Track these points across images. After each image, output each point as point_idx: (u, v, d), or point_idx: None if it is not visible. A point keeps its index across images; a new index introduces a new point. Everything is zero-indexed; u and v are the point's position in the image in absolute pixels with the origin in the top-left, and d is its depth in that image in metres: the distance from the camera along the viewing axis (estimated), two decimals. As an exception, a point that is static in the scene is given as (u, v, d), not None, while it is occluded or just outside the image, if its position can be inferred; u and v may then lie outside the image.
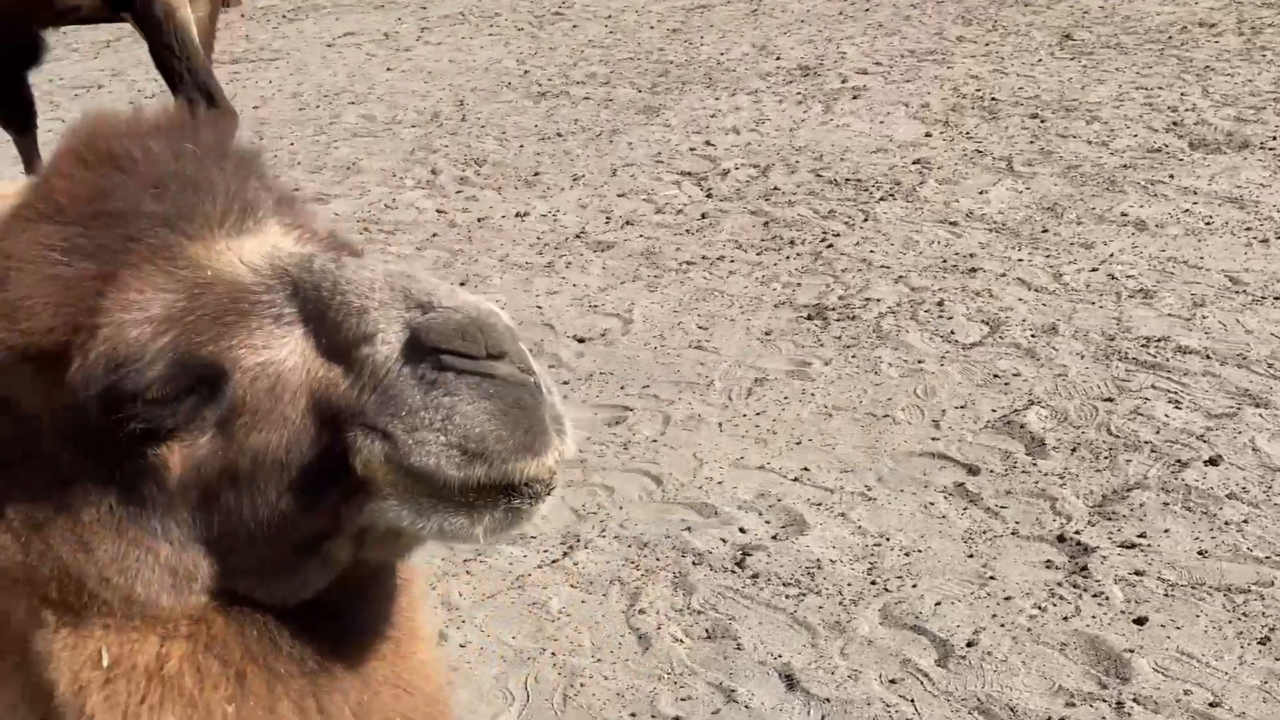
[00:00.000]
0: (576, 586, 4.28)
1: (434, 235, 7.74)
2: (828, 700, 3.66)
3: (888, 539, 4.36)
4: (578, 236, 7.48)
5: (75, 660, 1.56)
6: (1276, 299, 5.81)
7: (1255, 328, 5.55)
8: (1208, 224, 6.74)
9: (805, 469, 4.83)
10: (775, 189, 7.91)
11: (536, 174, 8.66)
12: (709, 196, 7.94)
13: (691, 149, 8.86)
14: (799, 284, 6.49)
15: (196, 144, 1.63)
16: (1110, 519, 4.36)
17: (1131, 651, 3.74)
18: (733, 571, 4.27)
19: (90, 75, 12.71)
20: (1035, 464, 4.71)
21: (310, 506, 1.53)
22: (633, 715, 3.68)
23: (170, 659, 1.57)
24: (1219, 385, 5.11)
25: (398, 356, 1.48)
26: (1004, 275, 6.36)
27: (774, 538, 4.44)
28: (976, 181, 7.68)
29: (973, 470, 4.70)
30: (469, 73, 11.63)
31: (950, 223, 7.10)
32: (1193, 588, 3.99)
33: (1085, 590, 4.02)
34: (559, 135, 9.49)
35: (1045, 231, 6.86)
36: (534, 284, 6.83)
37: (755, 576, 4.22)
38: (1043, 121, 8.61)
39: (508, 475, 1.50)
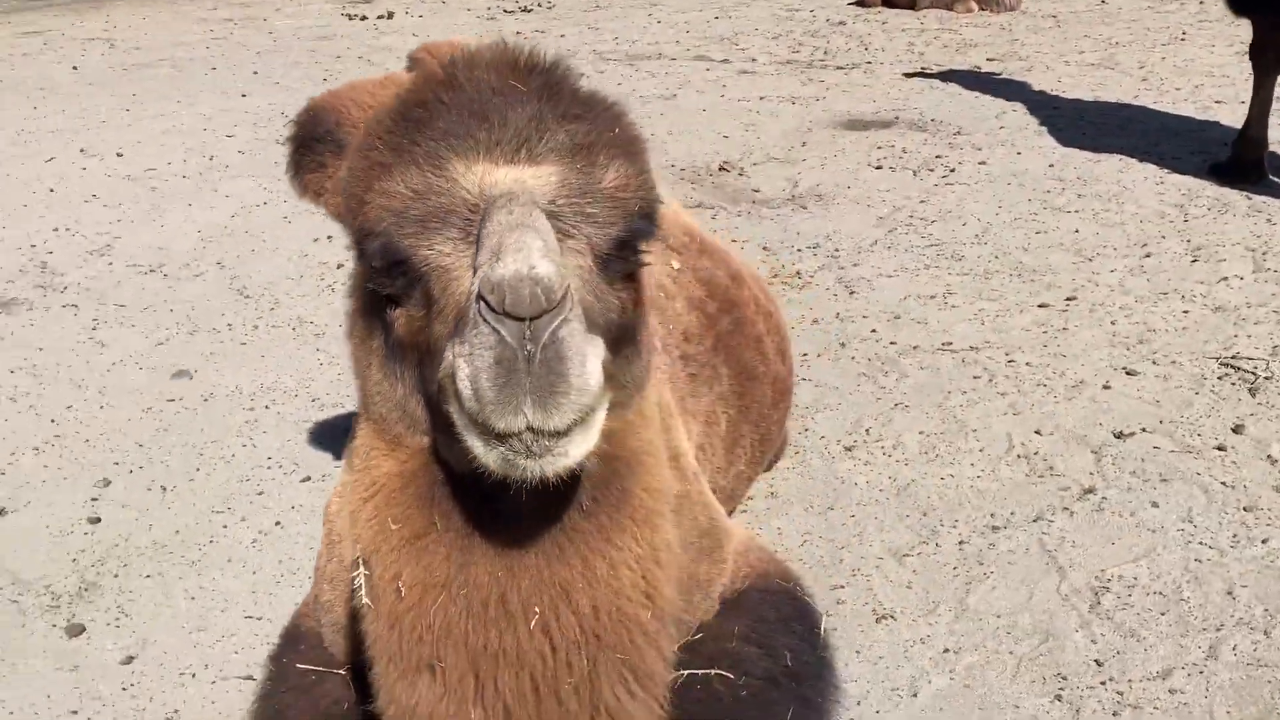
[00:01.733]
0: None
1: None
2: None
3: None
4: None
5: (351, 450, 2.16)
6: None
7: None
8: None
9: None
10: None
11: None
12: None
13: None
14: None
15: (523, 83, 1.89)
16: None
17: None
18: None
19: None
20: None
21: None
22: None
23: (385, 472, 2.00)
24: None
25: (472, 292, 1.68)
26: None
27: None
28: None
29: None
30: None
31: None
32: None
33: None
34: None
35: None
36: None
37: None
38: None
39: (489, 422, 1.66)
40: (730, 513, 3.45)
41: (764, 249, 6.09)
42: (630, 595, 2.04)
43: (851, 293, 5.51)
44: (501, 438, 1.67)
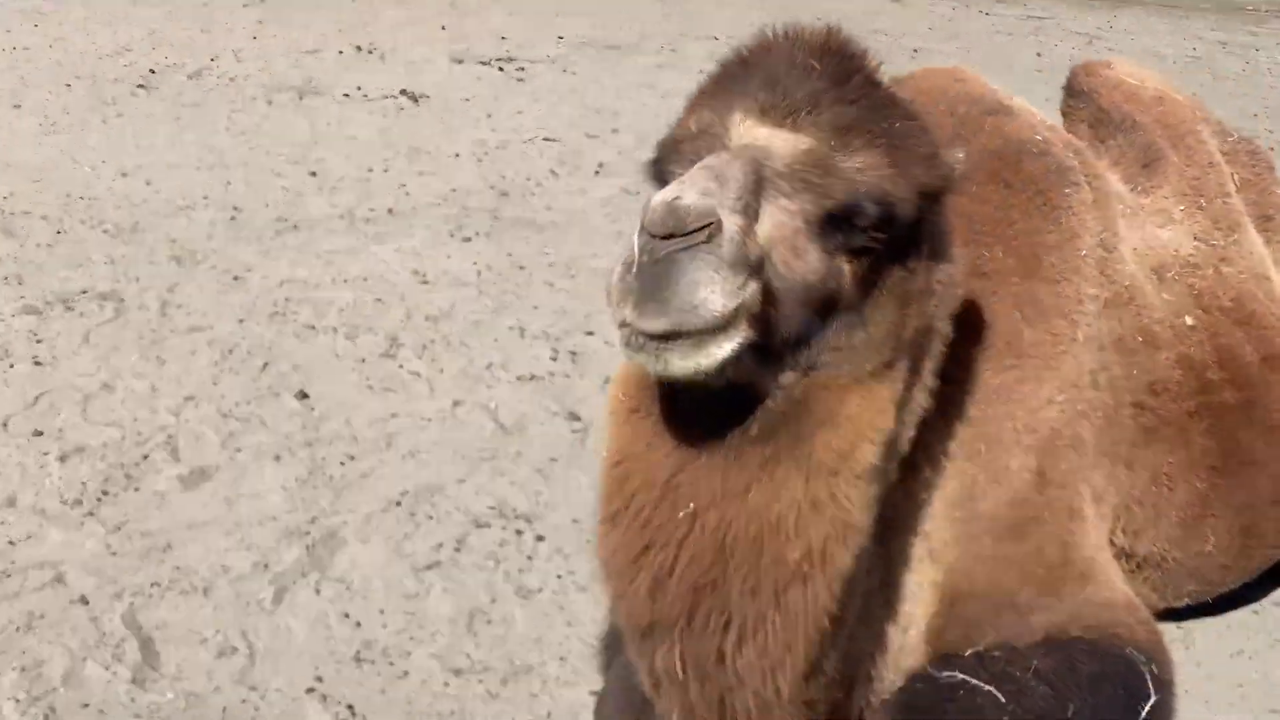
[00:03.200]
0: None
1: None
2: None
3: None
4: None
5: None
6: None
7: None
8: None
9: None
10: None
11: None
12: None
13: None
14: None
15: (820, 63, 2.20)
16: None
17: None
18: None
19: None
20: None
21: None
22: None
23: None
24: None
25: None
26: None
27: None
28: None
29: None
30: None
31: None
32: None
33: None
34: None
35: None
36: None
37: None
38: None
39: (611, 310, 1.98)
40: (1193, 594, 3.30)
41: None
42: (778, 531, 2.24)
43: None
44: (621, 327, 2.01)
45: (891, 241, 2.22)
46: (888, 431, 2.33)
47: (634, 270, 1.97)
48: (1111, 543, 3.08)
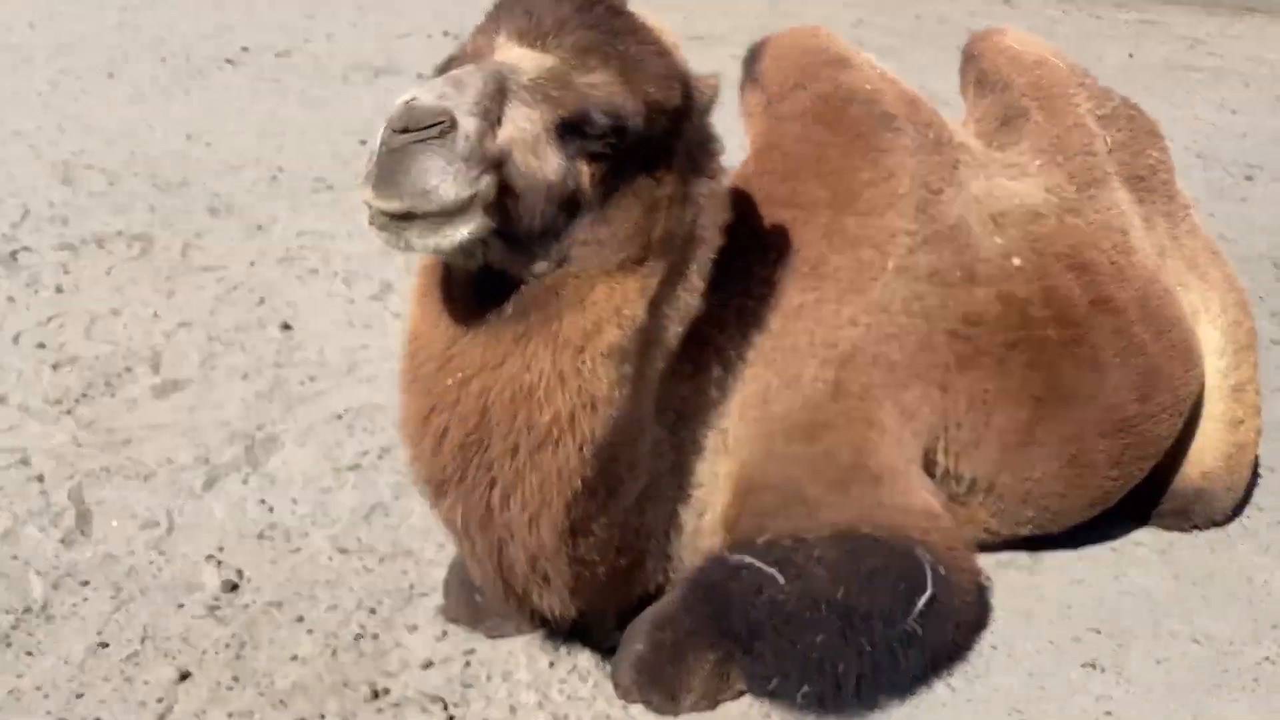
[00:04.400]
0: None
1: None
2: None
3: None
4: None
5: None
6: None
7: None
8: None
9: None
10: None
11: None
12: None
13: None
14: None
15: None
16: None
17: None
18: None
19: None
20: None
21: None
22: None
23: None
24: None
25: None
26: None
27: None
28: None
29: None
30: None
31: None
32: None
33: None
34: None
35: None
36: None
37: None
38: None
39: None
40: (1022, 517, 3.54)
41: None
42: (530, 397, 2.58)
43: None
44: (366, 208, 2.38)
45: (631, 150, 2.55)
46: (636, 319, 2.65)
47: (374, 159, 2.35)
48: (936, 461, 3.35)
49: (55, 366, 4.36)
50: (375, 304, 5.09)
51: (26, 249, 5.22)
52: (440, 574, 3.42)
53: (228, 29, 9.27)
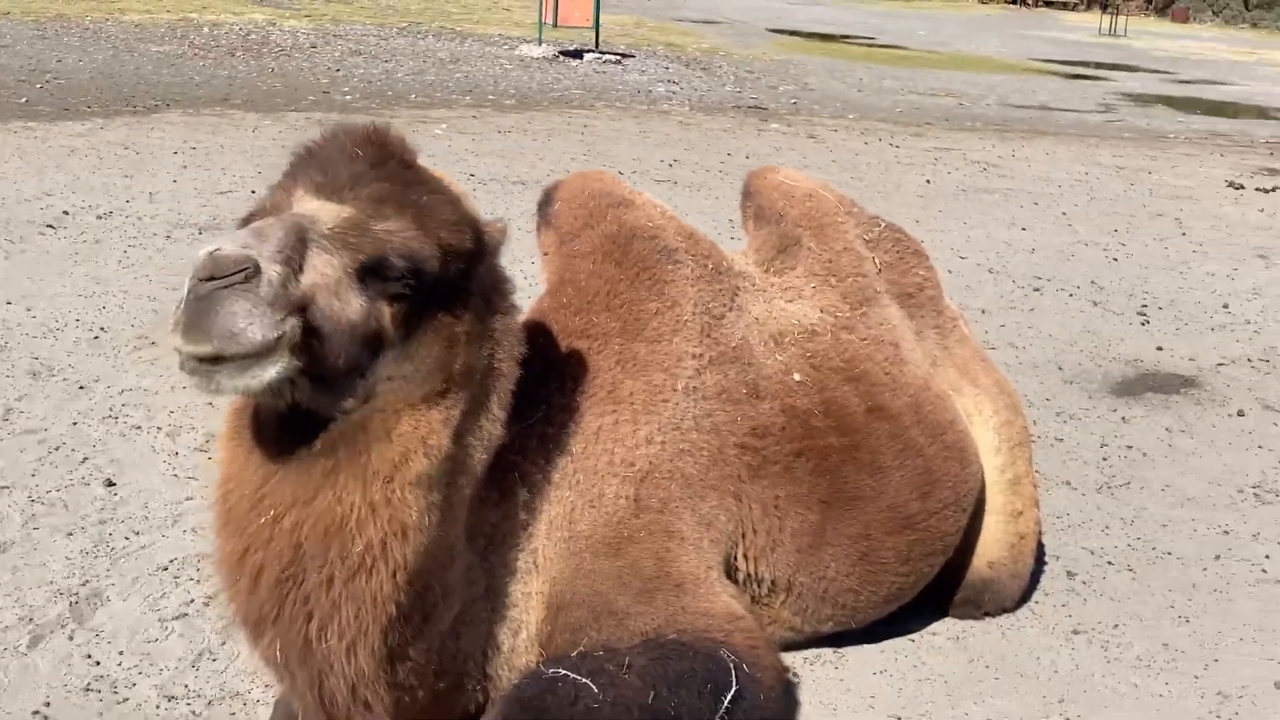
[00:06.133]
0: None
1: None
2: None
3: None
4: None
5: None
6: None
7: None
8: None
9: None
10: None
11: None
12: None
13: None
14: None
15: (365, 151, 2.81)
16: None
17: None
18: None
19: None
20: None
21: None
22: None
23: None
24: None
25: None
26: None
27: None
28: None
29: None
30: None
31: None
32: None
33: None
34: None
35: None
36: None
37: None
38: None
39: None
40: (822, 615, 3.77)
41: None
42: (343, 529, 2.74)
43: None
44: (177, 354, 2.53)
45: (430, 291, 2.77)
46: (442, 448, 2.83)
47: (183, 307, 2.51)
48: (736, 566, 3.58)
49: None
50: (200, 455, 5.17)
51: None
52: (267, 713, 3.50)
53: (48, 194, 9.32)
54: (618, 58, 21.59)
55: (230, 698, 3.62)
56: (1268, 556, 4.81)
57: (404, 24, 24.94)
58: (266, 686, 3.61)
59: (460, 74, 18.28)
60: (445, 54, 20.56)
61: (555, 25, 21.54)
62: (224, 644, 3.86)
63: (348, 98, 15.32)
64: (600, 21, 22.35)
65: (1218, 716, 3.74)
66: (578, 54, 21.30)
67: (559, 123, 14.47)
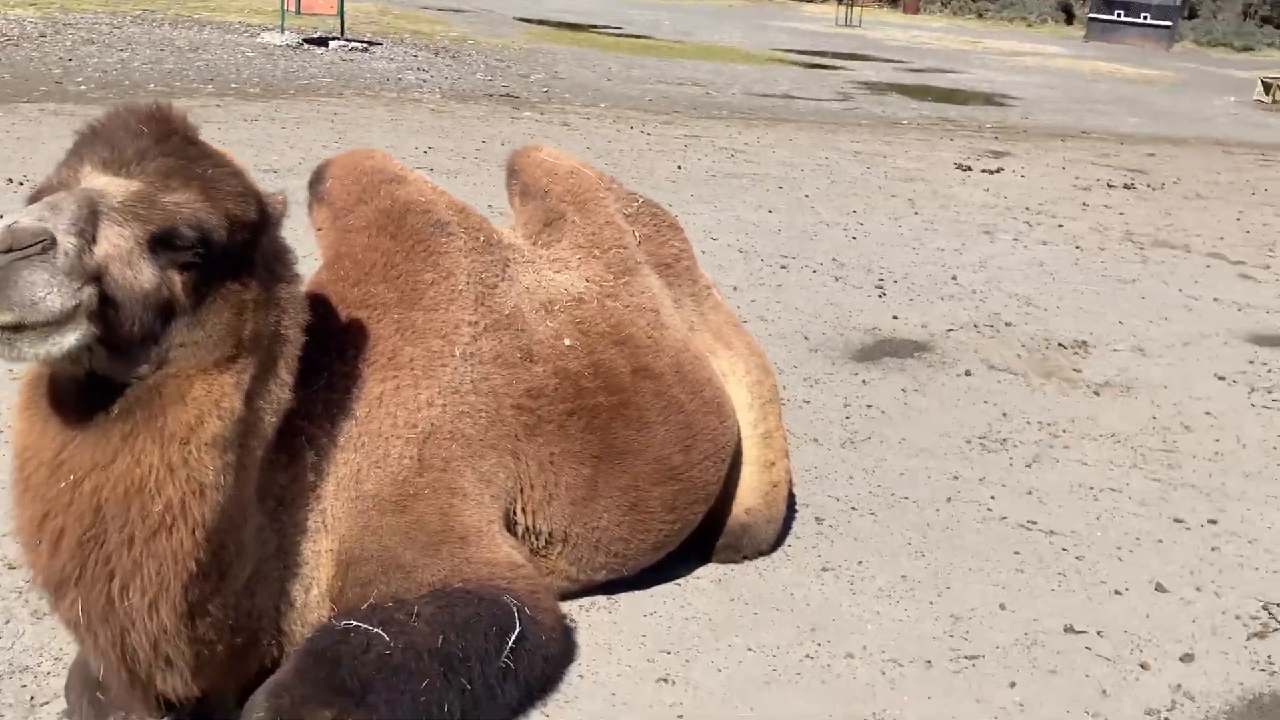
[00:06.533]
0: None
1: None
2: None
3: None
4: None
5: None
6: None
7: None
8: None
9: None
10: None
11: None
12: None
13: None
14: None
15: (149, 128, 2.89)
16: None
17: None
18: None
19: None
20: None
21: None
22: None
23: None
24: None
25: None
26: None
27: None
28: None
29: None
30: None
31: None
32: None
33: None
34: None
35: None
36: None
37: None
38: None
39: None
40: (596, 563, 4.03)
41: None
42: (142, 490, 2.86)
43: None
44: None
45: (219, 260, 2.90)
46: (234, 411, 2.97)
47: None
48: (516, 520, 3.81)
49: None
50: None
51: None
52: (59, 684, 3.56)
53: None
54: (364, 45, 21.44)
55: (19, 671, 3.65)
56: (993, 497, 5.32)
57: (138, 11, 24.08)
58: (56, 659, 3.67)
59: (201, 62, 17.85)
60: (184, 42, 20.01)
61: (298, 12, 21.21)
62: (8, 622, 3.88)
63: (83, 88, 14.80)
64: (345, 8, 22.12)
65: (950, 634, 4.17)
66: (323, 41, 21.03)
67: (307, 111, 14.37)
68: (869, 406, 6.35)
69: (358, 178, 3.85)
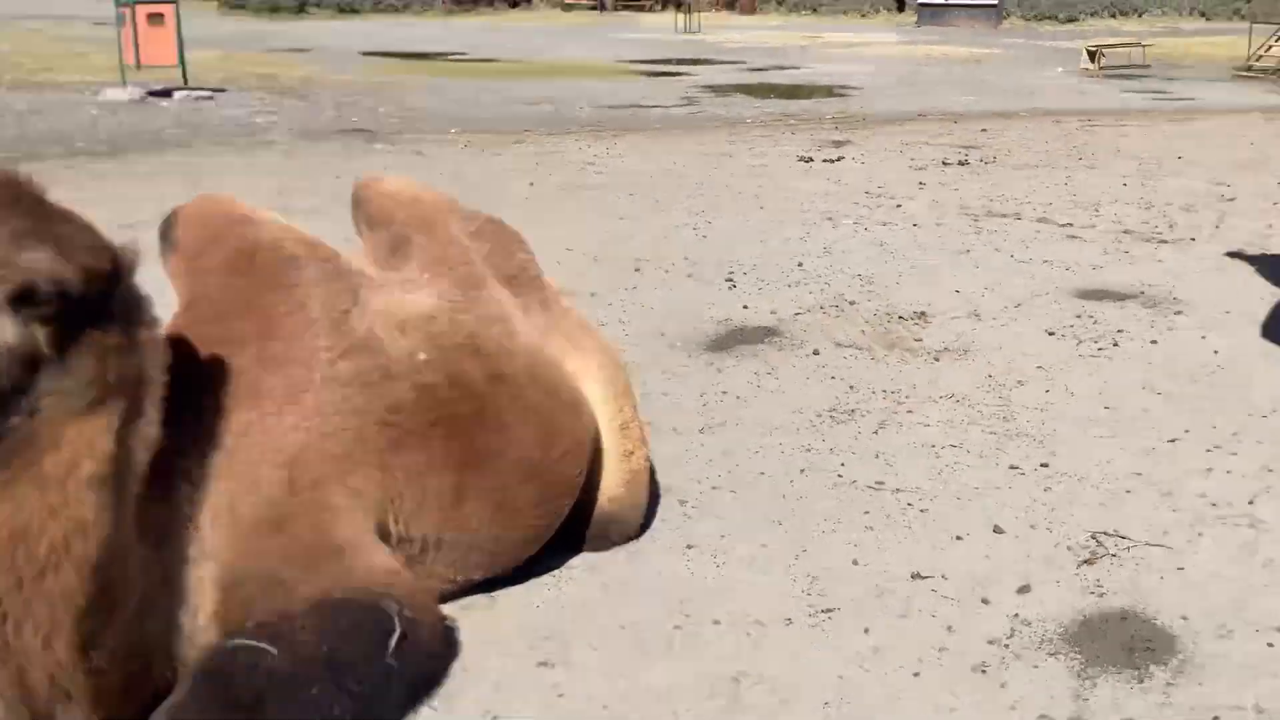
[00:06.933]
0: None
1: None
2: None
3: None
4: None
5: None
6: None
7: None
8: None
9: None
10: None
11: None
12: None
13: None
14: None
15: None
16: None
17: None
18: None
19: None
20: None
21: None
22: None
23: None
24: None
25: None
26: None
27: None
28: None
29: None
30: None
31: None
32: None
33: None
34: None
35: None
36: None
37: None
38: None
39: None
40: (471, 563, 4.27)
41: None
42: (26, 534, 3.04)
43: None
44: None
45: (78, 311, 3.09)
46: (107, 451, 3.16)
47: None
48: (390, 531, 4.03)
49: None
50: None
51: None
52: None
53: None
54: (210, 93, 21.32)
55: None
56: (843, 464, 5.67)
57: (-29, 81, 23.68)
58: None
59: (44, 125, 17.64)
60: (23, 106, 19.70)
61: (139, 67, 21.05)
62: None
63: (-77, 159, 14.62)
64: (186, 59, 21.98)
65: (807, 593, 4.49)
66: (167, 93, 20.86)
67: (158, 163, 14.35)
68: (724, 393, 6.67)
69: (206, 222, 4.05)
